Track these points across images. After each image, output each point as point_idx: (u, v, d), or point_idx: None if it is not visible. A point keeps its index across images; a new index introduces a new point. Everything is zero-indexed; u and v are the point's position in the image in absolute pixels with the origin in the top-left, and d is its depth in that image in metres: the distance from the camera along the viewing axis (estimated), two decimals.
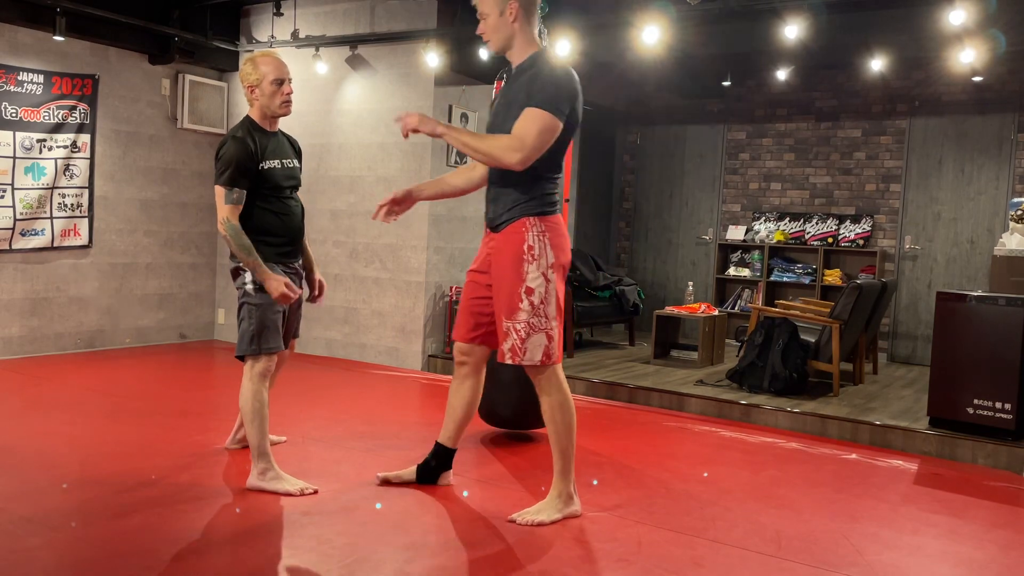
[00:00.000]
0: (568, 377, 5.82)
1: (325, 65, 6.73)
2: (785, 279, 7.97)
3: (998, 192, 7.21)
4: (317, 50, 6.69)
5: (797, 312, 6.30)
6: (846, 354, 6.09)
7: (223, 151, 3.48)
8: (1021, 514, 3.83)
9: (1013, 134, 7.15)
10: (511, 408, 4.48)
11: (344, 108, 6.91)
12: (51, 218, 6.39)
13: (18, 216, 6.19)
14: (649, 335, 7.44)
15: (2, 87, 6.03)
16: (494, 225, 3.29)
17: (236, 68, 7.41)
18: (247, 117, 3.60)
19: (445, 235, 6.61)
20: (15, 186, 6.15)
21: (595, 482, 3.88)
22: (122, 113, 6.84)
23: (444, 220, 6.58)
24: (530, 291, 3.18)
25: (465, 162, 6.28)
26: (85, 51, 6.55)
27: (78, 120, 6.50)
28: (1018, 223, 5.36)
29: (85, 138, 6.55)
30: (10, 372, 5.77)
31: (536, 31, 3.28)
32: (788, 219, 8.11)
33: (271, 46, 6.79)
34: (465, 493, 3.64)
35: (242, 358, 3.54)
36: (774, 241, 8.03)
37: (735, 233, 8.30)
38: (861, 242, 7.68)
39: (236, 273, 3.55)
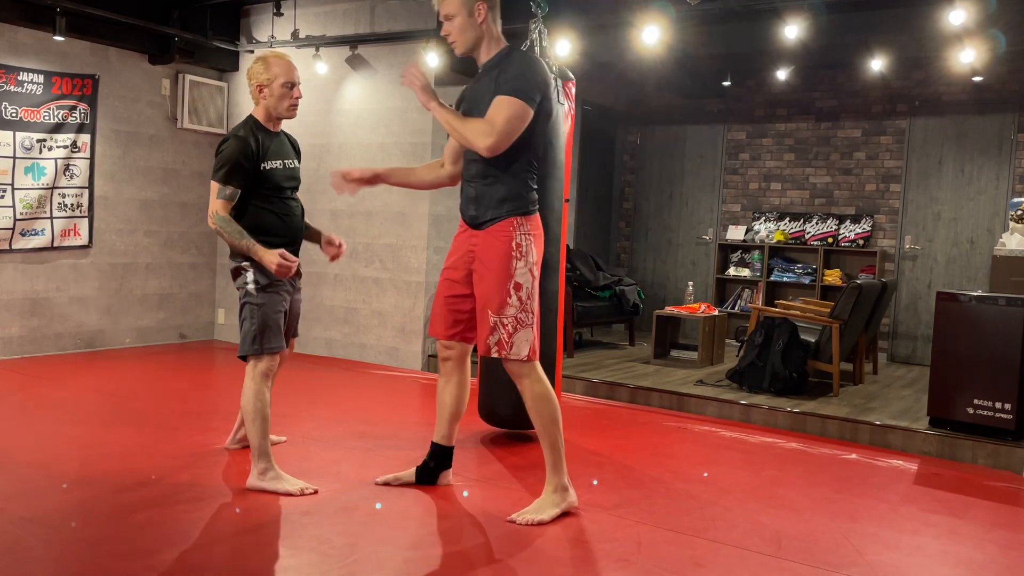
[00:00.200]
0: (568, 377, 5.89)
1: (325, 65, 6.73)
2: (785, 279, 7.97)
3: (998, 192, 7.21)
4: (317, 50, 6.69)
5: (797, 312, 6.30)
6: (846, 354, 6.08)
7: (224, 147, 3.49)
8: (1021, 514, 3.83)
9: (1013, 134, 7.14)
10: (511, 408, 4.47)
11: (344, 108, 6.91)
12: (51, 218, 6.39)
13: (18, 216, 6.19)
14: (649, 335, 7.44)
15: (2, 87, 6.03)
16: (478, 223, 3.31)
17: (236, 68, 7.41)
18: (251, 116, 3.61)
19: (445, 235, 6.61)
20: (15, 186, 6.15)
21: (595, 482, 3.89)
22: (122, 113, 6.84)
23: (444, 220, 6.58)
24: (518, 286, 3.25)
25: None
26: (85, 51, 6.55)
27: (78, 120, 6.50)
28: (1018, 223, 5.37)
29: (85, 138, 6.55)
30: (10, 372, 5.77)
31: (500, 29, 3.32)
32: (788, 219, 8.11)
33: (271, 46, 6.79)
34: (465, 493, 3.64)
35: (244, 358, 3.54)
36: (774, 241, 8.03)
37: (735, 233, 8.30)
38: (861, 242, 7.68)
39: (236, 273, 3.56)
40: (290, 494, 3.46)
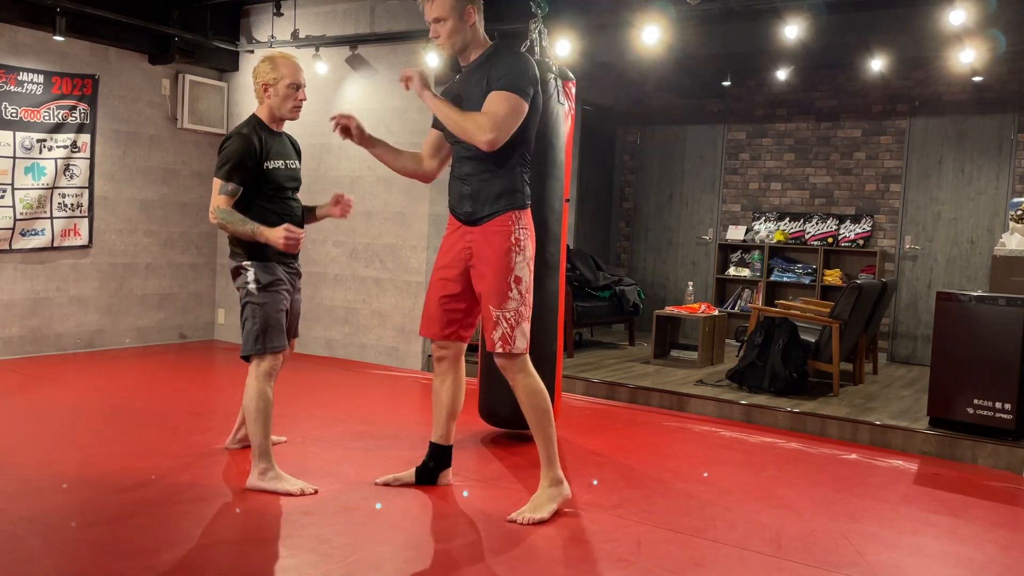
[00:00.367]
0: (568, 377, 5.90)
1: (325, 65, 6.73)
2: (785, 279, 7.97)
3: (998, 192, 7.21)
4: (317, 50, 6.69)
5: (797, 312, 6.30)
6: (846, 354, 6.08)
7: (227, 144, 3.50)
8: (1021, 514, 3.83)
9: (1013, 134, 7.14)
10: (511, 408, 4.46)
11: (344, 108, 6.90)
12: (51, 218, 6.39)
13: (18, 216, 6.19)
14: (649, 335, 7.44)
15: (2, 87, 6.03)
16: (475, 219, 3.31)
17: (236, 68, 7.41)
18: (254, 115, 3.62)
19: None
20: (15, 186, 6.15)
21: (595, 482, 3.88)
22: (122, 113, 6.84)
23: (444, 220, 6.54)
24: (518, 280, 3.28)
25: None
26: (85, 51, 6.55)
27: (78, 120, 6.50)
28: (1018, 223, 5.36)
29: (85, 138, 6.55)
30: (10, 372, 5.77)
31: (483, 28, 3.34)
32: (788, 219, 8.11)
33: (271, 46, 6.79)
34: (465, 493, 3.64)
35: (247, 358, 3.54)
36: (774, 241, 8.03)
37: (735, 233, 8.30)
38: (861, 242, 7.68)
39: (237, 273, 3.56)
40: (290, 494, 3.46)
